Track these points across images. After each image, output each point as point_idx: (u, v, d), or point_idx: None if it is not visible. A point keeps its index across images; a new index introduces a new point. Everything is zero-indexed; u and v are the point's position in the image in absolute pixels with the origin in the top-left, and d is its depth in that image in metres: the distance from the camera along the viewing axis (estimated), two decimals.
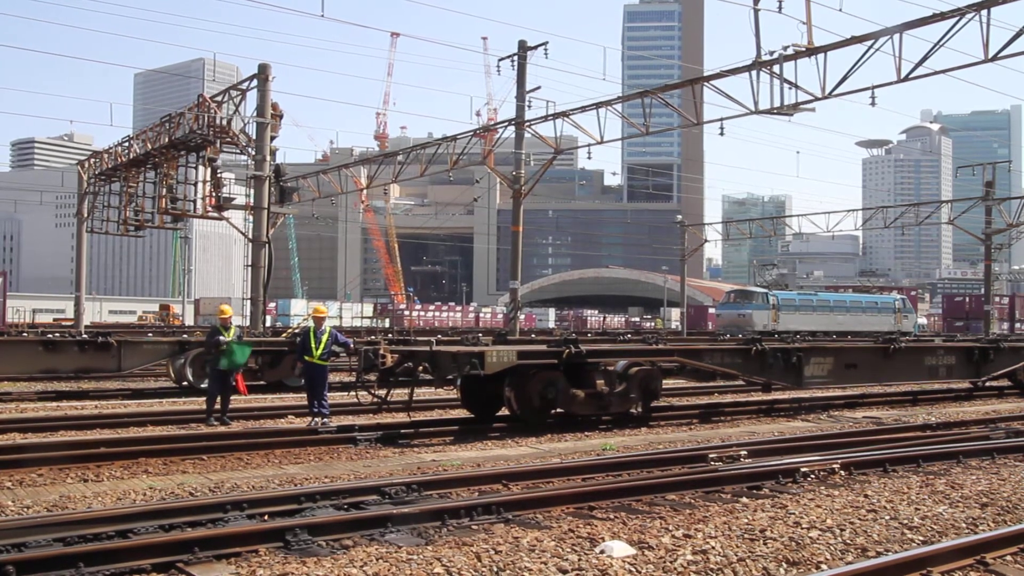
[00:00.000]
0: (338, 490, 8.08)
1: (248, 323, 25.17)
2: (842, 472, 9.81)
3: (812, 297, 53.81)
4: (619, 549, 6.39)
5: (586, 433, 13.67)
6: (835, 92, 20.99)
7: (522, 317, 42.30)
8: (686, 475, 9.25)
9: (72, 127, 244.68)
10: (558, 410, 14.11)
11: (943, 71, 20.54)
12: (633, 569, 6.00)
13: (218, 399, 14.06)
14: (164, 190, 30.52)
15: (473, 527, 7.17)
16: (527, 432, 13.36)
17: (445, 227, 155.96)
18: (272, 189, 24.98)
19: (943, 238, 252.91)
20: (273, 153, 25.19)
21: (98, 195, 35.98)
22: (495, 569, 5.96)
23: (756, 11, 21.47)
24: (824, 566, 6.20)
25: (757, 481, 9.21)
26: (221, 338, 14.07)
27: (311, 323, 14.16)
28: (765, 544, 6.68)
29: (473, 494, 8.43)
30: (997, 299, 60.87)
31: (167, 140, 28.45)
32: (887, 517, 7.68)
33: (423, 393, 17.84)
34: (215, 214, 28.81)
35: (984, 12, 18.73)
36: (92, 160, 37.38)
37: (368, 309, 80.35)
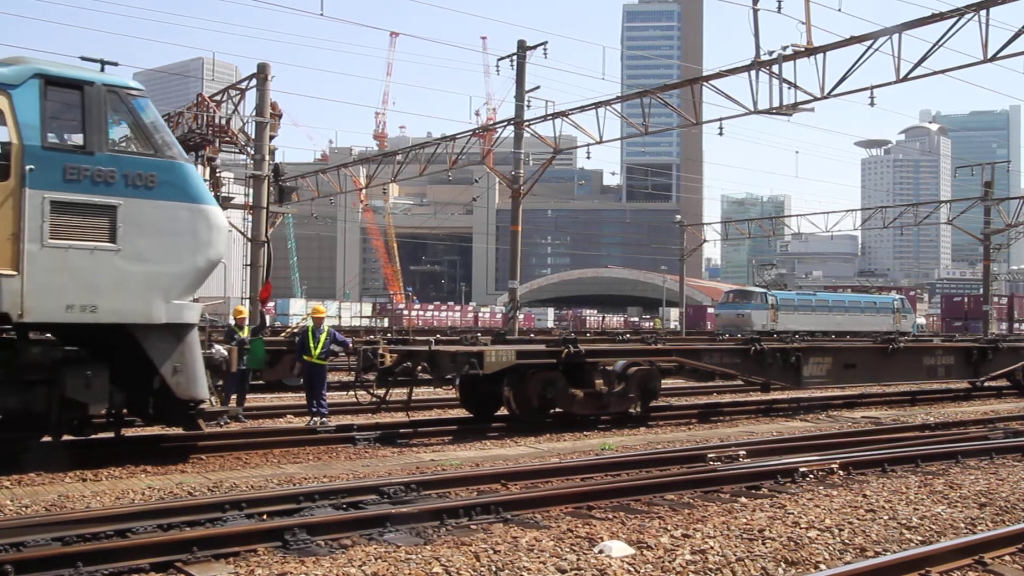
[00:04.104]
0: (337, 490, 8.09)
1: (248, 322, 25.17)
2: (841, 472, 9.82)
3: (811, 297, 53.81)
4: (618, 549, 6.39)
5: (585, 433, 13.67)
6: (834, 92, 21.04)
7: (521, 317, 42.31)
8: (685, 475, 9.25)
9: None
10: (557, 410, 14.11)
11: (942, 71, 20.60)
12: (632, 569, 6.00)
13: (234, 397, 14.23)
14: None
15: (472, 527, 7.17)
16: (526, 432, 13.36)
17: (444, 227, 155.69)
18: (271, 188, 24.96)
19: (942, 238, 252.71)
20: (272, 152, 25.18)
21: None
22: (494, 569, 5.96)
23: (755, 11, 21.54)
24: (823, 566, 6.20)
25: (756, 481, 9.22)
26: (242, 336, 14.19)
27: (310, 322, 14.18)
28: (764, 544, 6.68)
29: (472, 494, 8.44)
30: (996, 299, 60.86)
31: None
32: (886, 517, 7.68)
33: (422, 393, 17.84)
34: None
35: (983, 12, 18.78)
36: None
37: (367, 308, 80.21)
